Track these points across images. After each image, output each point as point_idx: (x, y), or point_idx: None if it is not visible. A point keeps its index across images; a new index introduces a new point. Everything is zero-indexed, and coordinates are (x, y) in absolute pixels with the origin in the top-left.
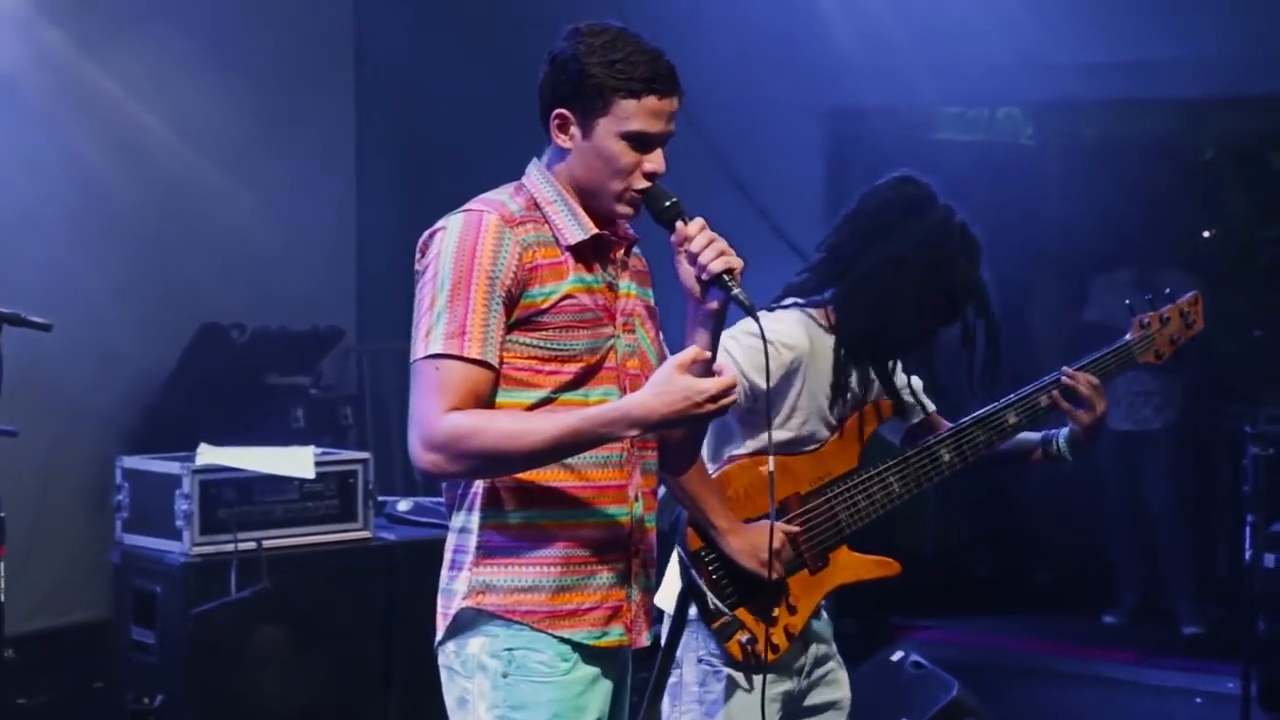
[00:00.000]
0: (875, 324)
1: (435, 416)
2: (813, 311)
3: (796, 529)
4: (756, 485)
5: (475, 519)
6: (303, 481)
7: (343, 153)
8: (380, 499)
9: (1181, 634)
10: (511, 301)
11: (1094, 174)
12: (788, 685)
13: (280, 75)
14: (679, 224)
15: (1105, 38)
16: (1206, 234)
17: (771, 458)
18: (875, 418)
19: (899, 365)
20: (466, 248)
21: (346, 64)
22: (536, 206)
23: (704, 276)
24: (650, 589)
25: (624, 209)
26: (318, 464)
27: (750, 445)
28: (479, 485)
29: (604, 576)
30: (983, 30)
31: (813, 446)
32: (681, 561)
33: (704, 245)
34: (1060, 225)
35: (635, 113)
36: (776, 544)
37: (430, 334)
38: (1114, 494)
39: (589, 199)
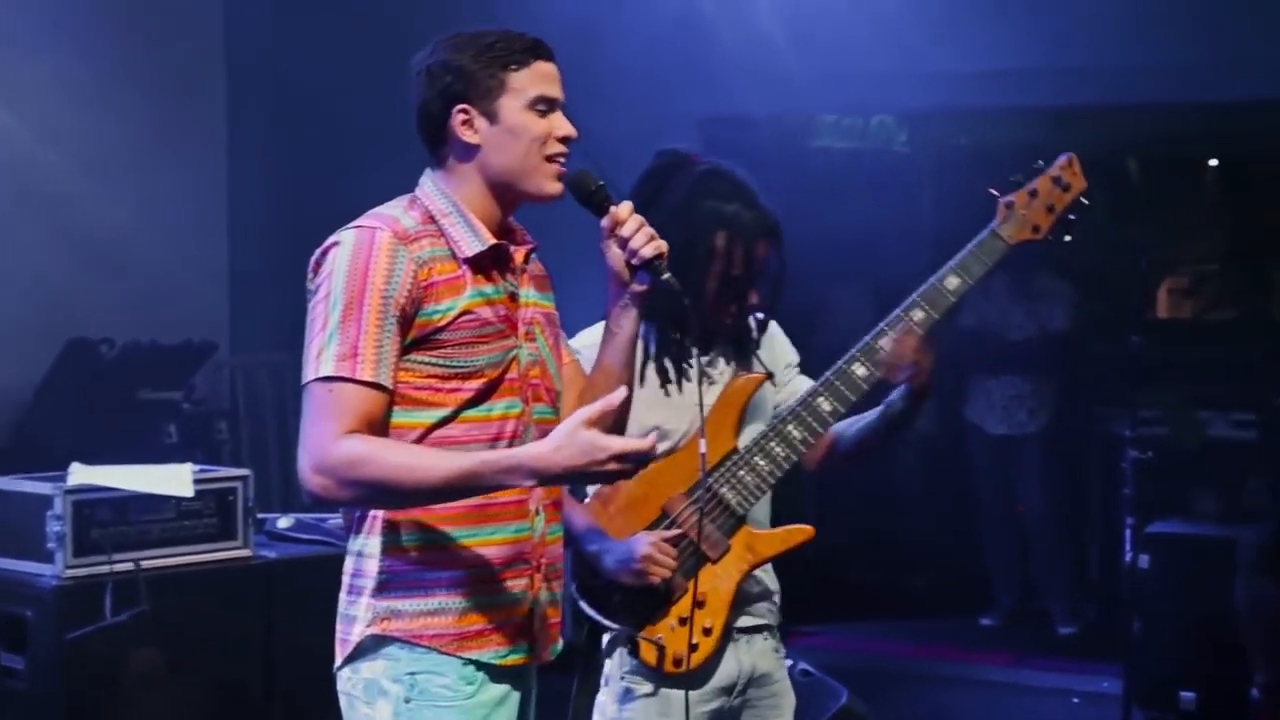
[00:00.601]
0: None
1: (328, 440)
2: None
3: (676, 532)
4: (636, 498)
5: (375, 543)
6: (180, 500)
7: (214, 163)
8: (259, 516)
9: (1057, 634)
10: (406, 321)
11: (967, 180)
12: (715, 704)
13: (150, 84)
14: (611, 207)
15: (979, 47)
16: (1068, 238)
17: (702, 439)
18: (745, 391)
19: (764, 334)
20: (359, 266)
21: (218, 72)
22: (432, 220)
23: (635, 261)
24: (555, 601)
25: (551, 185)
26: (196, 481)
27: None
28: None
29: (508, 594)
30: (860, 38)
31: (685, 441)
32: (573, 594)
33: (635, 229)
34: (935, 231)
35: (531, 79)
36: (645, 550)
37: (322, 355)
38: (989, 497)
39: (510, 190)
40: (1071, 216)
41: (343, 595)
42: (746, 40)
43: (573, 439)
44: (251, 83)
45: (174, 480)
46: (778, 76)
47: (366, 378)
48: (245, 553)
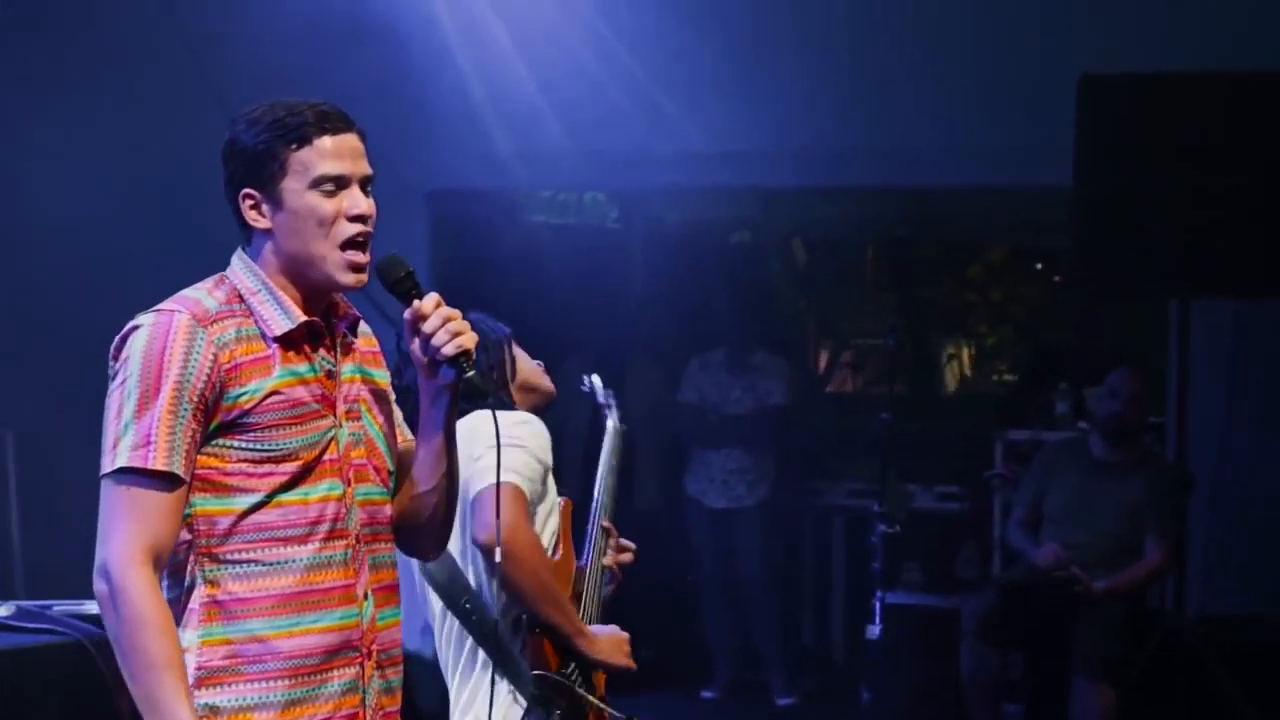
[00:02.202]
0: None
1: (122, 552)
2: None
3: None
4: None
5: (192, 636)
6: None
7: None
8: None
9: (776, 705)
10: (208, 407)
11: (681, 258)
12: None
13: None
14: (415, 300)
15: (693, 128)
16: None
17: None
18: (566, 513)
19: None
20: (155, 352)
21: None
22: (240, 299)
23: (438, 358)
24: (390, 689)
25: (345, 277)
26: None
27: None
28: (196, 600)
29: (335, 684)
30: (579, 117)
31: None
32: (544, 685)
33: (437, 327)
34: (649, 307)
35: (313, 159)
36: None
37: (118, 446)
38: (709, 569)
39: (307, 277)
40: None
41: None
42: (470, 116)
43: None
44: None
45: None
46: (498, 153)
47: (159, 466)
48: None
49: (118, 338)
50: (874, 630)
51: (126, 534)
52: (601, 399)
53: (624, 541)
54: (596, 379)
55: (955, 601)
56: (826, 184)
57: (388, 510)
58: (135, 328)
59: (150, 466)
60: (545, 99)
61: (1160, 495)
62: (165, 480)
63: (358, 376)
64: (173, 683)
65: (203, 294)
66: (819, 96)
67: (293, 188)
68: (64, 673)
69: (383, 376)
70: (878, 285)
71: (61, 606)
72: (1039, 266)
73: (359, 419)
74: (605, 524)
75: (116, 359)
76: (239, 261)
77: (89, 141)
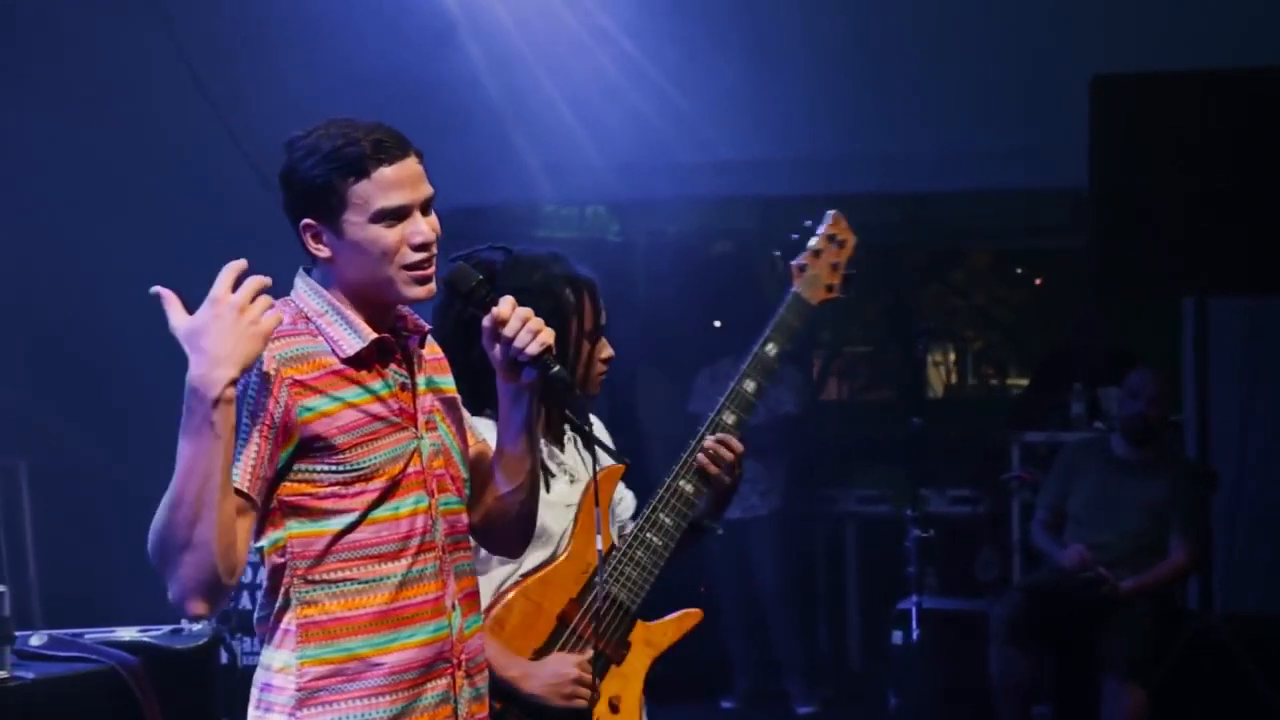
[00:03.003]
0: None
1: None
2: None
3: (589, 647)
4: (529, 613)
5: (291, 658)
6: None
7: None
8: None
9: (796, 714)
10: (274, 423)
11: (683, 268)
12: None
13: None
14: (493, 308)
15: (690, 139)
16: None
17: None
18: (611, 482)
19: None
20: None
21: None
22: (307, 320)
23: (521, 359)
24: (479, 697)
25: (414, 290)
26: None
27: (526, 563)
28: (291, 621)
29: (430, 696)
30: (581, 132)
31: (565, 544)
32: None
33: (517, 329)
34: (656, 319)
35: (373, 192)
36: (575, 674)
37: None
38: (724, 581)
39: (374, 299)
40: (852, 271)
41: (251, 710)
42: (472, 132)
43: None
44: None
45: None
46: (500, 168)
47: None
48: (2, 674)
49: None
50: (898, 635)
51: None
52: None
53: (719, 444)
54: None
55: (976, 605)
56: (827, 192)
57: (465, 519)
58: None
59: None
60: (549, 115)
61: (1184, 494)
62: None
63: (431, 387)
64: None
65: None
66: (819, 105)
67: (354, 220)
68: (100, 700)
69: (450, 384)
70: (864, 292)
71: (93, 634)
72: (1019, 270)
73: (435, 429)
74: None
75: None
76: (303, 284)
77: (97, 165)
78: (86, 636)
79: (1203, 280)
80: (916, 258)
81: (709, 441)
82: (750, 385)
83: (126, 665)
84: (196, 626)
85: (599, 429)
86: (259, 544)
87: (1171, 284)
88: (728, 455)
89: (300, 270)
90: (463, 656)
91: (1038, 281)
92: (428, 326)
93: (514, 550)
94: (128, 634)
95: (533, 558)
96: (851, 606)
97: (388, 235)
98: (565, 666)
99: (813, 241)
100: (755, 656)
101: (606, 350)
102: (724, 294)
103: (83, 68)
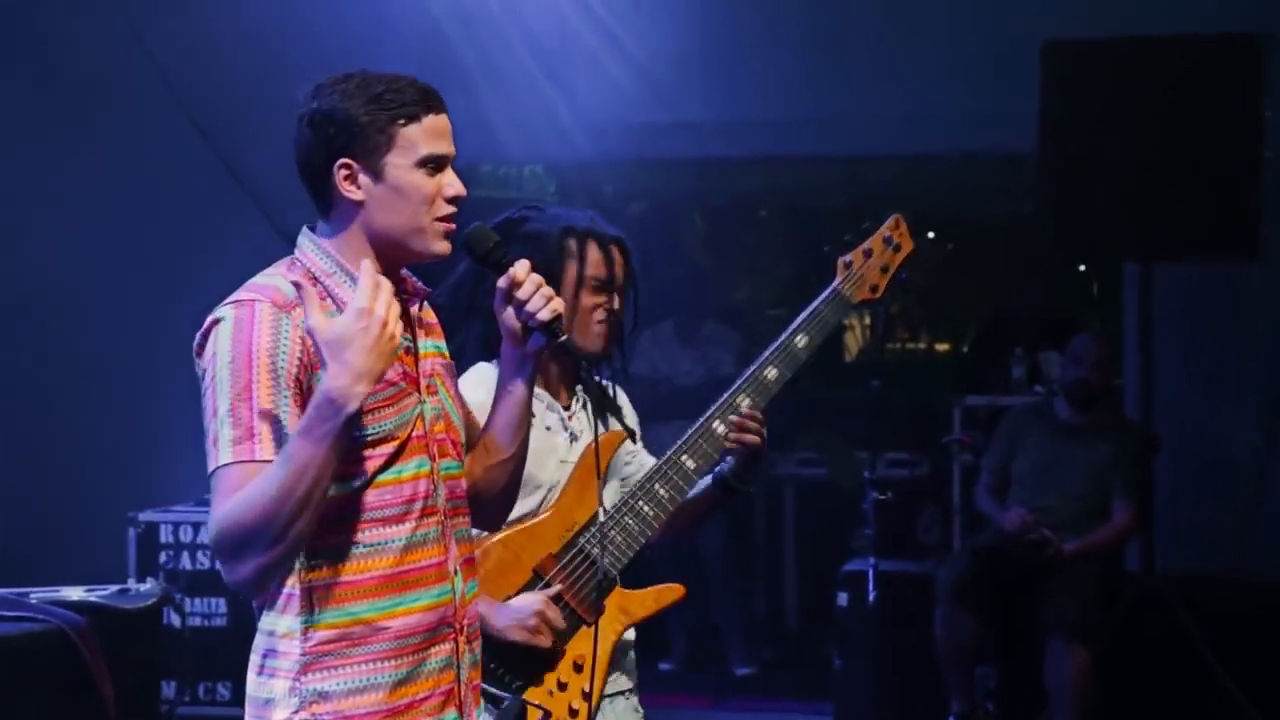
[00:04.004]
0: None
1: (212, 521)
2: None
3: (559, 588)
4: (506, 562)
5: (295, 623)
6: None
7: None
8: None
9: (734, 675)
10: (303, 390)
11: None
12: None
13: None
14: (510, 269)
15: (621, 100)
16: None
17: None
18: (609, 449)
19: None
20: (243, 343)
21: None
22: (315, 281)
23: (531, 323)
24: (475, 662)
25: (439, 245)
26: None
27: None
28: (294, 586)
29: (434, 661)
30: (519, 90)
31: (552, 500)
32: None
33: (532, 291)
34: None
35: (420, 137)
36: (539, 607)
37: (219, 443)
38: (661, 543)
39: (393, 251)
40: (904, 275)
41: (252, 676)
42: None
43: (349, 343)
44: None
45: None
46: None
47: (266, 457)
48: None
49: (199, 334)
50: (843, 597)
51: (217, 509)
52: None
53: (745, 419)
54: None
55: (919, 567)
56: (765, 153)
57: (464, 484)
58: (217, 321)
59: (257, 459)
60: (483, 74)
61: (1126, 457)
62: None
63: (432, 351)
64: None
65: (277, 279)
66: (757, 69)
67: (397, 163)
68: (47, 660)
69: (445, 348)
70: (785, 254)
71: (39, 594)
72: (931, 235)
73: (436, 393)
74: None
75: (201, 356)
76: (309, 243)
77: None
78: (32, 596)
79: (1148, 246)
80: (843, 222)
81: (735, 418)
82: (772, 373)
83: (73, 625)
84: (144, 586)
85: (622, 398)
86: None
87: (1118, 249)
88: (754, 425)
89: (305, 229)
90: (464, 622)
91: (950, 246)
92: (426, 289)
93: (495, 522)
94: (74, 594)
95: (519, 507)
96: (789, 569)
97: (429, 182)
98: (531, 602)
99: (867, 242)
100: (693, 619)
101: (611, 303)
102: (650, 257)
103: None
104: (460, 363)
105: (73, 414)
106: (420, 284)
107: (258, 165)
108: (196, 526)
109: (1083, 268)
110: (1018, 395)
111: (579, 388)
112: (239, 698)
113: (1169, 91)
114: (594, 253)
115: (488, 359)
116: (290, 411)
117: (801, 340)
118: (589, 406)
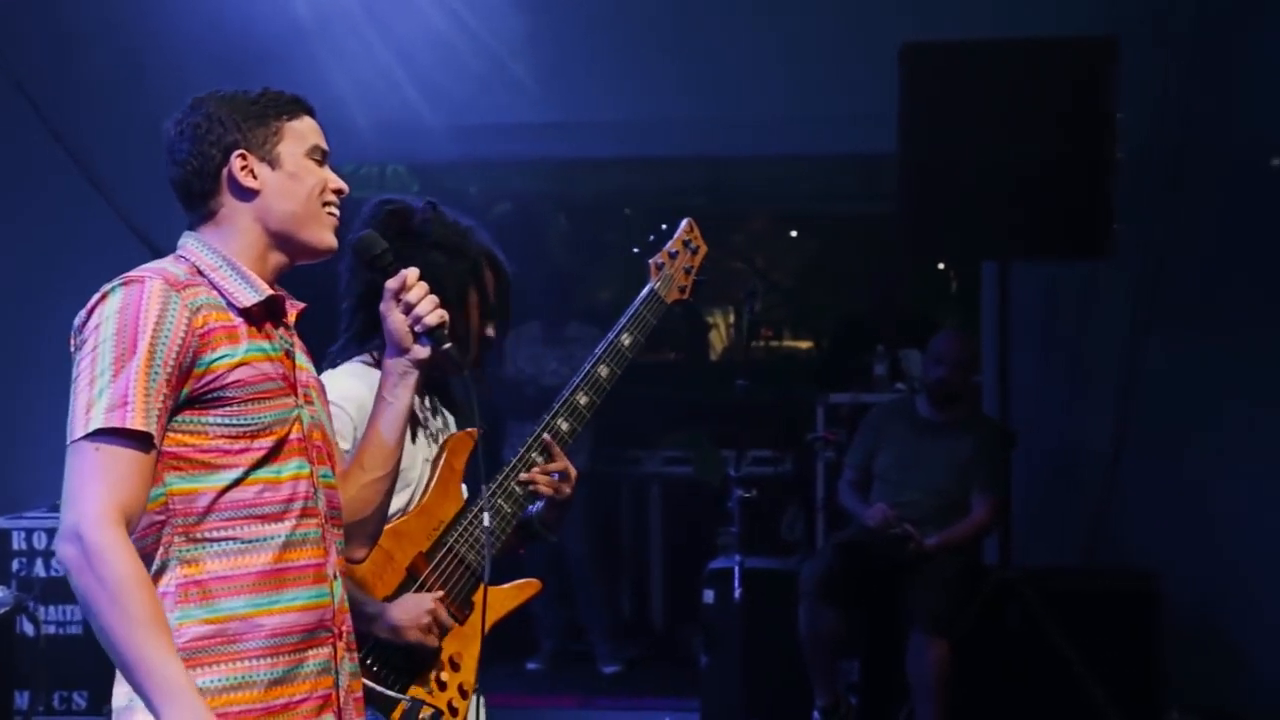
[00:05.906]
0: None
1: (95, 512)
2: (364, 358)
3: (441, 593)
4: (379, 561)
5: (170, 619)
6: None
7: None
8: None
9: (601, 674)
10: (183, 371)
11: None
12: None
13: None
14: (402, 271)
15: (486, 102)
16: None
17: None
18: (465, 447)
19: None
20: (130, 315)
21: None
22: (200, 274)
23: (418, 328)
24: (355, 673)
25: (328, 236)
26: None
27: None
28: (170, 582)
29: (312, 663)
30: (373, 88)
31: (418, 498)
32: None
33: (421, 296)
34: None
35: (306, 131)
36: (430, 606)
37: (91, 409)
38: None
39: (285, 242)
40: (701, 278)
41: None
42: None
43: None
44: None
45: None
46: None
47: (137, 426)
48: None
49: (85, 309)
50: (709, 594)
51: (100, 493)
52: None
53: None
54: None
55: (783, 564)
56: (631, 154)
57: (339, 496)
58: (106, 294)
59: (128, 426)
60: (342, 75)
61: (986, 453)
62: (141, 441)
63: (306, 365)
64: (164, 641)
65: (168, 264)
66: (622, 69)
67: (291, 150)
68: None
69: (315, 370)
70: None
71: None
72: (794, 234)
73: (312, 403)
74: (546, 439)
75: (84, 329)
76: (193, 242)
77: None
78: None
79: (1005, 245)
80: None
81: (536, 474)
82: (604, 370)
83: None
84: None
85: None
86: None
87: (976, 248)
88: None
89: (187, 231)
90: (343, 628)
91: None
92: (305, 304)
93: (361, 551)
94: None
95: (394, 502)
96: (655, 567)
97: (316, 172)
98: (424, 602)
99: (668, 245)
100: (560, 618)
101: (491, 330)
102: (515, 258)
103: None
104: (335, 360)
105: None
106: (296, 301)
107: (116, 169)
108: (50, 533)
109: (942, 266)
110: (879, 393)
111: (429, 393)
112: (96, 706)
113: (1025, 92)
114: (492, 281)
115: (359, 351)
116: (164, 389)
117: (627, 339)
118: (440, 404)
